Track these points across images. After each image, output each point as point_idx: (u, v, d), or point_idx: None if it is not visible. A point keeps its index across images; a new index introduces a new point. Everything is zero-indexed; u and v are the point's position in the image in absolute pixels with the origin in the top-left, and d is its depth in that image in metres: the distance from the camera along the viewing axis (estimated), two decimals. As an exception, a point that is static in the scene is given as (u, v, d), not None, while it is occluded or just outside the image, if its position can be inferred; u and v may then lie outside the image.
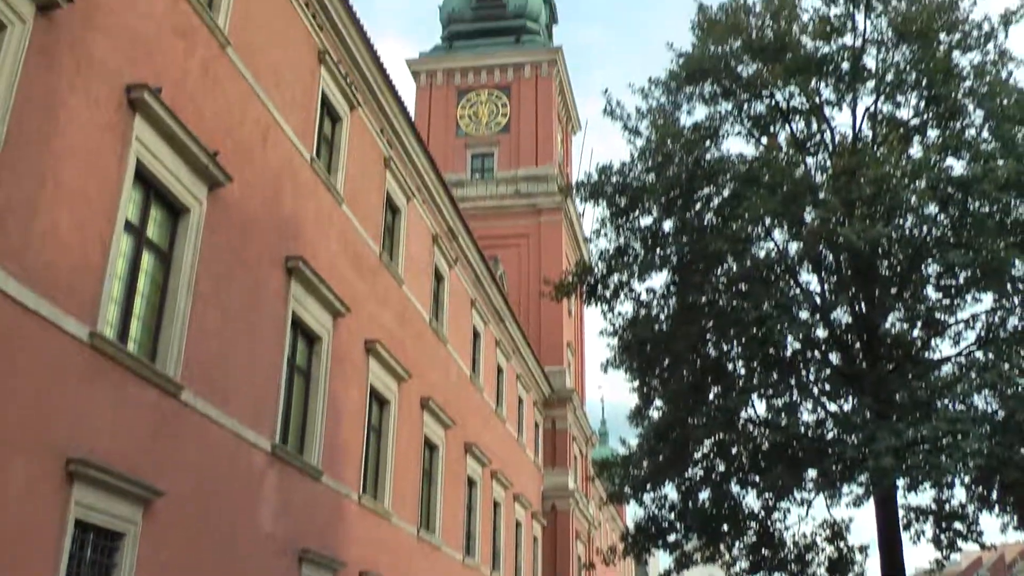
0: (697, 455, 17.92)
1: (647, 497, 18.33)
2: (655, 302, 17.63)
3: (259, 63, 15.27)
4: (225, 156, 13.45)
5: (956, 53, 17.22)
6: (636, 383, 18.16)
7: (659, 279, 18.01)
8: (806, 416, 17.44)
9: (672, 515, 18.14)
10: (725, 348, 17.44)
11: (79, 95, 10.56)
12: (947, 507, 17.47)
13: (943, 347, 17.48)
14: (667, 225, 17.71)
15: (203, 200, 13.09)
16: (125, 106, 11.37)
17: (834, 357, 17.68)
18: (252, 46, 15.05)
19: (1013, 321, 17.07)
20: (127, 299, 11.68)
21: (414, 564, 22.60)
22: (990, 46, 17.28)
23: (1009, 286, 16.52)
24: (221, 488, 13.55)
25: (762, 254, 17.53)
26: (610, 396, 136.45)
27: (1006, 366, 15.68)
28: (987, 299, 17.14)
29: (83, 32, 10.64)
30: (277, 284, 15.69)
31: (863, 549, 18.31)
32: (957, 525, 17.34)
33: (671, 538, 18.31)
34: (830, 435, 17.00)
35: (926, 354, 17.32)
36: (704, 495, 18.02)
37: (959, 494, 17.47)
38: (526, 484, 36.93)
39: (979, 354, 16.68)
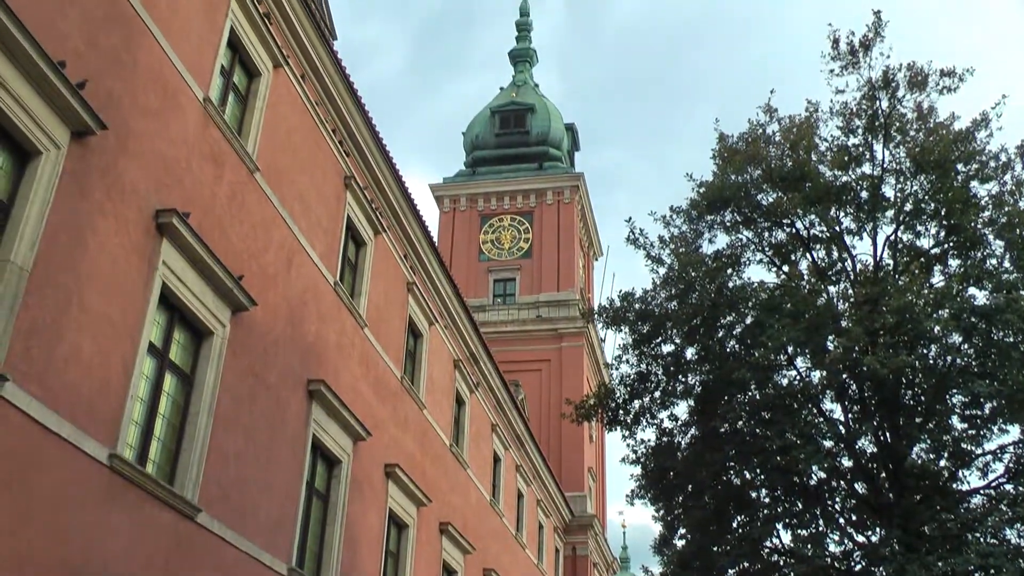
0: None
1: None
2: (677, 429, 17.56)
3: (286, 188, 15.61)
4: (250, 280, 13.66)
5: (974, 183, 17.43)
6: (659, 511, 17.93)
7: (681, 407, 17.91)
8: (832, 547, 17.14)
9: None
10: (748, 476, 17.27)
11: (108, 219, 10.80)
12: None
13: (971, 478, 17.21)
14: (689, 352, 17.77)
15: (227, 323, 13.23)
16: (153, 230, 11.61)
17: (860, 487, 17.46)
18: (279, 171, 15.41)
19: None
20: (148, 421, 11.71)
21: None
22: (1007, 176, 17.48)
23: None
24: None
25: (785, 382, 17.50)
26: (631, 520, 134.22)
27: None
28: (1014, 430, 16.96)
29: (115, 157, 10.93)
30: (299, 407, 15.71)
31: None
32: None
33: None
34: (858, 567, 16.65)
35: (954, 485, 17.08)
36: None
37: None
38: (546, 616, 36.17)
39: (1009, 487, 16.45)
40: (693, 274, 17.40)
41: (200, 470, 12.39)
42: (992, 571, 14.24)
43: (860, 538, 16.99)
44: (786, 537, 17.27)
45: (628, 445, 18.23)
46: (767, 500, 16.98)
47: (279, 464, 14.93)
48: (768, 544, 17.12)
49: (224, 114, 13.69)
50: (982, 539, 15.50)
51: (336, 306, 17.55)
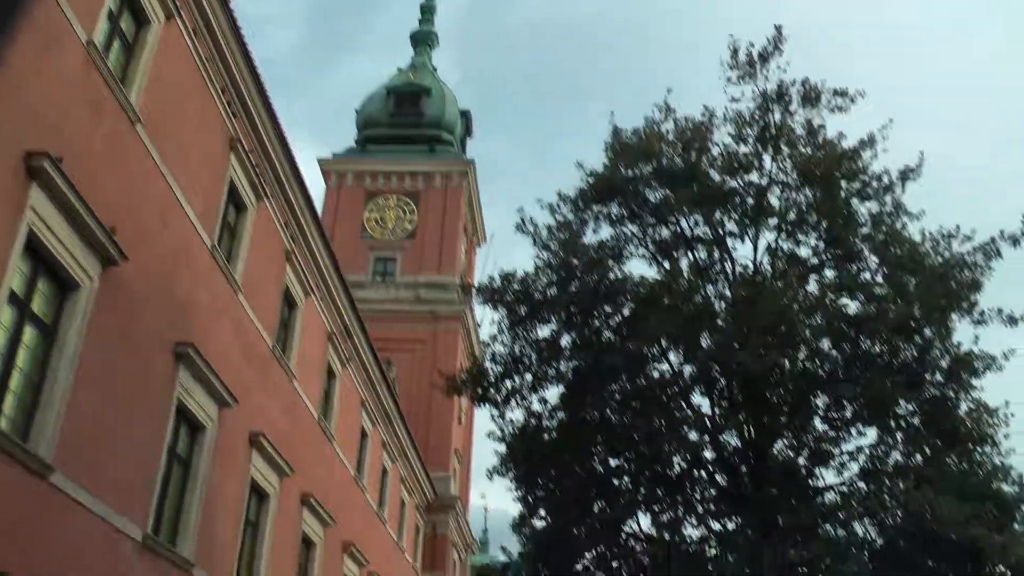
0: (578, 567, 17.75)
1: None
2: (546, 414, 17.65)
3: (167, 143, 15.14)
4: (123, 234, 13.20)
5: (855, 200, 17.94)
6: (521, 492, 18.04)
7: (552, 391, 18.01)
8: (690, 531, 17.52)
9: None
10: (613, 463, 17.49)
11: (-25, 159, 10.33)
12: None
13: (827, 476, 17.80)
14: (565, 339, 17.87)
15: (95, 277, 12.78)
16: (22, 174, 11.13)
17: (721, 479, 17.85)
18: (162, 125, 14.94)
19: (895, 456, 17.54)
20: (3, 374, 11.23)
21: (282, 666, 21.83)
22: (888, 198, 18.05)
23: (892, 423, 17.01)
24: (85, 575, 12.96)
25: (656, 375, 17.76)
26: (494, 505, 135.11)
27: (887, 498, 16.10)
28: (871, 433, 17.59)
29: (-15, 96, 10.46)
30: (165, 369, 15.33)
31: None
32: None
33: None
34: (713, 553, 17.05)
35: (811, 482, 17.60)
36: None
37: None
38: (403, 589, 36.16)
39: (861, 484, 17.06)
40: (575, 262, 17.53)
41: (57, 428, 11.93)
42: (840, 560, 14.75)
43: (717, 526, 17.40)
44: (646, 523, 17.59)
45: (496, 423, 18.32)
46: (630, 487, 17.22)
47: (141, 427, 14.54)
48: (627, 528, 17.38)
49: (108, 60, 13.19)
50: (832, 531, 16.05)
51: (211, 269, 17.17)
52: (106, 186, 13.13)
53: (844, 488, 17.26)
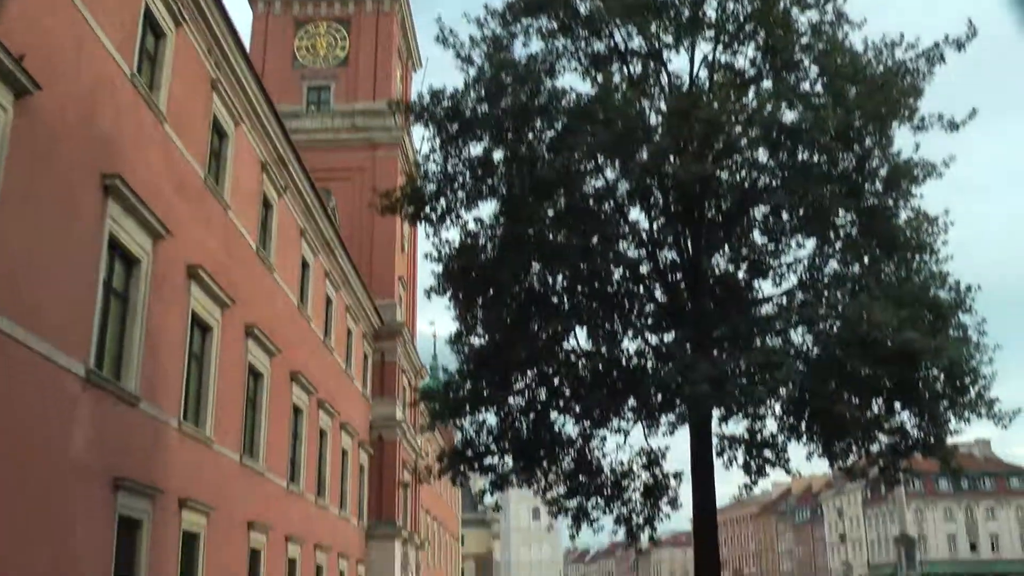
0: (519, 385, 18.16)
1: (465, 421, 18.47)
2: (482, 232, 17.63)
3: (74, -33, 14.46)
4: (34, 62, 12.71)
5: (795, 10, 17.59)
6: (458, 311, 18.22)
7: (487, 208, 17.94)
8: (627, 344, 17.87)
9: (489, 439, 18.34)
10: (550, 280, 17.63)
11: None
12: (759, 436, 18.11)
13: (765, 287, 18.09)
14: (497, 156, 17.68)
15: (9, 108, 12.41)
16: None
17: (659, 293, 18.11)
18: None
19: (833, 265, 17.82)
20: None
21: (237, 490, 22.42)
22: (829, 7, 17.69)
23: (831, 233, 17.20)
24: (28, 414, 13.07)
25: (591, 190, 17.71)
26: (443, 332, 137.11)
27: (823, 307, 16.47)
28: (810, 244, 17.78)
29: None
30: (92, 202, 15.09)
31: (677, 475, 18.81)
32: (767, 453, 18.02)
33: (488, 461, 18.54)
34: (649, 364, 17.45)
35: (749, 294, 17.90)
36: (523, 422, 18.28)
37: (770, 425, 18.19)
38: (353, 414, 36.92)
39: (799, 294, 17.38)
40: (505, 77, 17.21)
41: (-16, 265, 11.82)
42: (773, 367, 15.11)
43: (654, 339, 17.76)
44: (584, 340, 17.91)
45: (432, 243, 18.35)
46: (567, 304, 17.44)
47: (74, 262, 14.44)
48: (566, 345, 17.70)
49: None
50: (768, 341, 16.44)
51: (133, 99, 16.72)
52: (11, 10, 12.59)
53: (782, 301, 17.59)
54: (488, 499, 20.00)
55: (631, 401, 17.95)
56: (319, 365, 31.37)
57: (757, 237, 18.01)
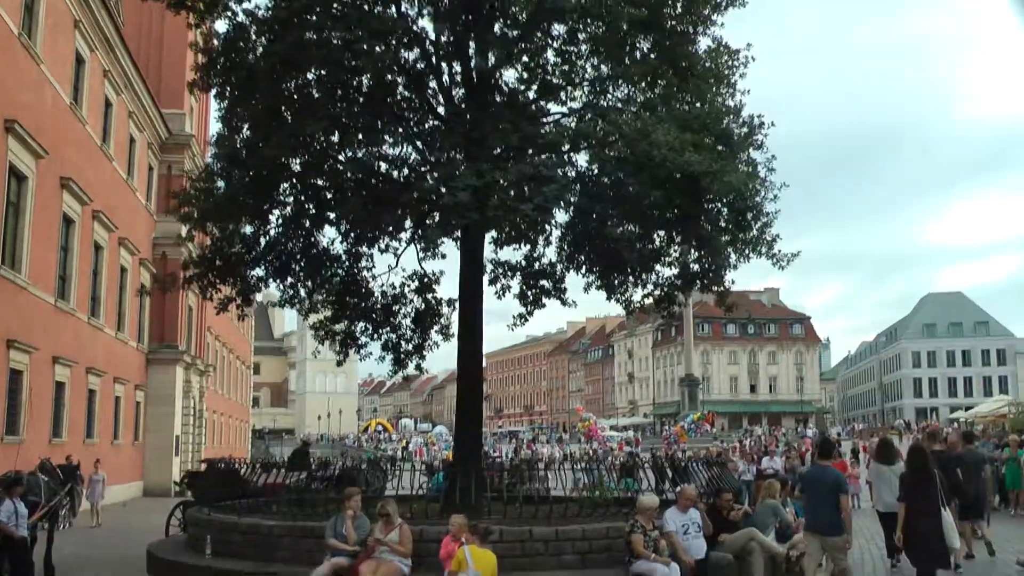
0: (282, 196, 16.54)
1: (217, 228, 16.84)
2: (253, 26, 15.61)
3: None
4: None
5: None
6: (222, 110, 16.37)
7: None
8: (397, 151, 16.52)
9: (242, 249, 16.82)
10: (313, 75, 15.84)
11: None
12: (537, 264, 17.61)
13: (553, 108, 16.99)
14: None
15: None
16: None
17: (439, 106, 16.65)
18: None
19: (625, 90, 16.93)
20: None
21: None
22: None
23: (627, 59, 16.23)
24: None
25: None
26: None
27: (608, 128, 15.45)
28: (604, 70, 16.77)
29: None
30: None
31: (451, 302, 18.10)
32: (544, 283, 17.57)
33: (242, 273, 16.98)
34: (412, 175, 16.20)
35: (536, 114, 16.76)
36: (286, 235, 16.78)
37: (550, 254, 17.73)
38: (135, 229, 34.75)
39: (587, 115, 16.38)
40: None
41: None
42: (544, 183, 14.10)
43: (421, 145, 16.45)
44: (354, 149, 16.36)
45: (200, 32, 16.35)
46: (329, 103, 15.71)
47: None
48: (323, 142, 16.01)
49: None
50: (541, 155, 15.43)
51: None
52: None
53: (566, 119, 16.56)
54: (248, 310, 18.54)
55: (405, 221, 16.78)
56: (96, 173, 29.02)
57: (551, 57, 16.73)
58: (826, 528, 11.06)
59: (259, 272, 17.17)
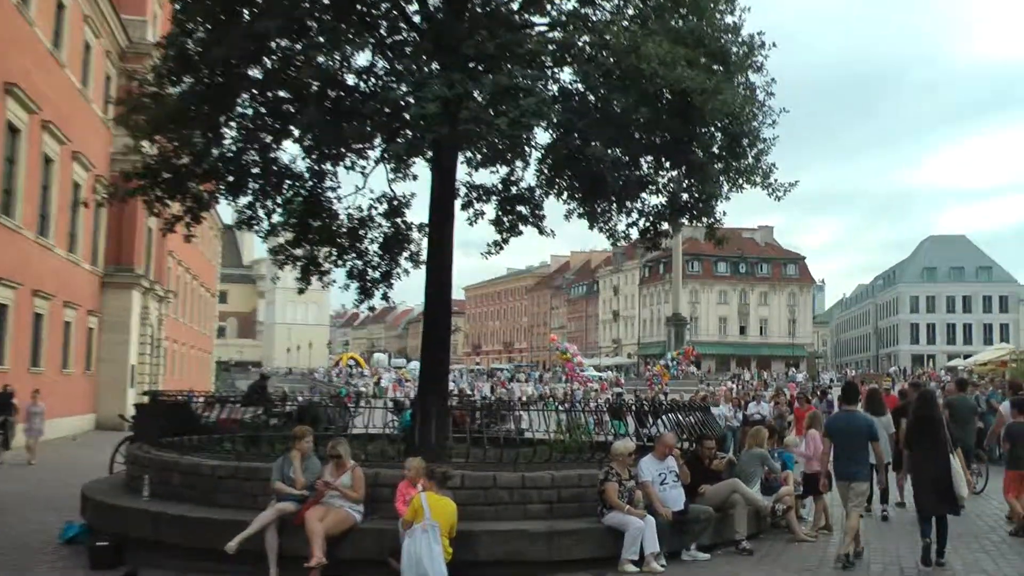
0: (244, 105, 15.12)
1: (167, 139, 15.43)
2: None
3: None
4: None
5: None
6: (177, 10, 14.87)
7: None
8: (359, 61, 15.16)
9: (192, 160, 15.42)
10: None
11: None
12: (514, 189, 16.44)
13: (537, 21, 15.64)
14: None
15: None
16: None
17: (409, 8, 15.27)
18: None
19: (616, 2, 15.60)
20: None
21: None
22: None
23: None
24: None
25: None
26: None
27: (591, 36, 14.17)
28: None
29: None
30: None
31: (421, 227, 17.00)
32: (521, 208, 16.34)
33: (191, 187, 15.64)
34: (379, 85, 14.89)
35: (520, 26, 15.42)
36: (242, 149, 15.38)
37: (529, 177, 16.82)
38: (90, 143, 33.10)
39: (571, 26, 15.06)
40: None
41: None
42: (522, 94, 12.87)
43: (390, 55, 15.12)
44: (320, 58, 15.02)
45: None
46: (290, 1, 14.29)
47: None
48: (284, 48, 14.62)
49: None
50: (516, 67, 14.18)
51: None
52: None
53: (550, 32, 15.23)
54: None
55: (375, 139, 15.52)
56: (45, 79, 27.38)
57: None
58: (857, 474, 11.09)
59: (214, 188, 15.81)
